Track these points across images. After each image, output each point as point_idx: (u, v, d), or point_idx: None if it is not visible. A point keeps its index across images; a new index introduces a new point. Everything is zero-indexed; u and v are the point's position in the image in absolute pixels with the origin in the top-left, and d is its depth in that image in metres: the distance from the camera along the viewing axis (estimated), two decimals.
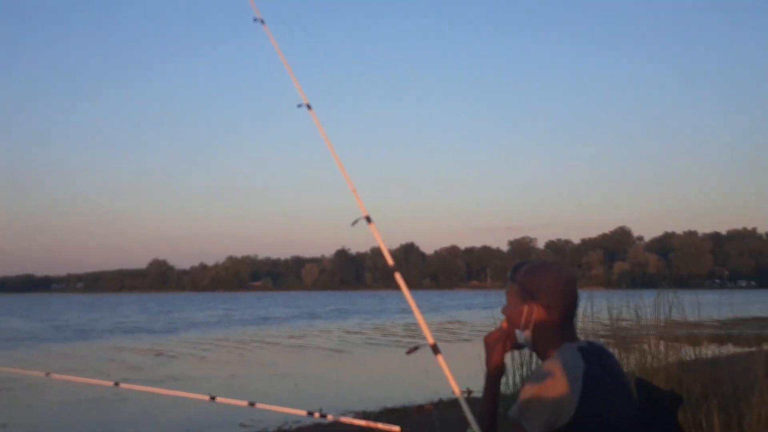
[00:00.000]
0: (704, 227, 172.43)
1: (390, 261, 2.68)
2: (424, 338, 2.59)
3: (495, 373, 2.51)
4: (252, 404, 3.49)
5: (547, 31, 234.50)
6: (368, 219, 2.71)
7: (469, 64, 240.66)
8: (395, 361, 18.60)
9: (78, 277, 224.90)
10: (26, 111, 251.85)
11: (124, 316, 48.90)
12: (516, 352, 7.05)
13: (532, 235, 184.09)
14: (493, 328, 2.56)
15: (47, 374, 4.33)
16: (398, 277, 2.65)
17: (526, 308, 2.40)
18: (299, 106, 3.01)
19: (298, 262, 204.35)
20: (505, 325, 2.48)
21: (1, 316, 50.26)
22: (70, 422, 10.07)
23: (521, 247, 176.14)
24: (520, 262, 2.53)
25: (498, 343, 2.51)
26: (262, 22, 3.26)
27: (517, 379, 7.20)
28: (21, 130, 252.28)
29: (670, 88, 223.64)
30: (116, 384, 3.87)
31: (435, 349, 2.50)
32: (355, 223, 2.70)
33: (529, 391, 2.25)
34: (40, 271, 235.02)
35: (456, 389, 2.49)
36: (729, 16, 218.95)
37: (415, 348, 2.66)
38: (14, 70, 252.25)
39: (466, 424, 2.47)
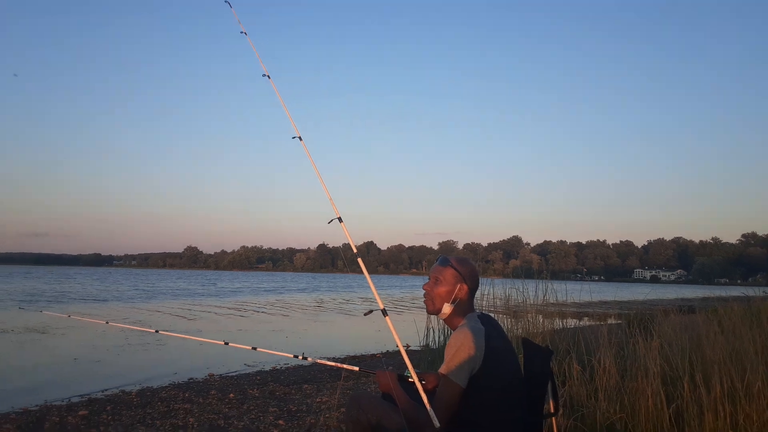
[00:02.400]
0: (570, 238, 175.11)
1: (354, 249, 2.64)
2: (377, 305, 2.55)
3: (402, 398, 2.34)
4: (254, 348, 3.42)
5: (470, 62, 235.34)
6: (340, 219, 2.68)
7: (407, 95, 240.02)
8: (356, 323, 18.51)
9: (132, 257, 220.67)
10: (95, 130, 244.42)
11: (171, 283, 47.95)
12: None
13: (454, 239, 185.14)
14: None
15: (107, 322, 4.20)
16: (360, 261, 2.62)
17: (458, 287, 2.43)
18: (293, 137, 2.97)
19: (291, 251, 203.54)
20: (429, 293, 2.49)
21: (80, 281, 48.87)
22: (123, 358, 9.80)
23: (447, 246, 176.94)
24: (446, 256, 2.56)
25: (390, 388, 2.39)
26: (269, 77, 3.20)
27: (440, 338, 7.17)
28: (96, 138, 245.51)
29: (550, 132, 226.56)
30: (156, 331, 3.76)
31: (384, 312, 2.47)
32: (330, 222, 2.66)
33: (451, 351, 2.27)
34: (105, 251, 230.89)
35: (398, 342, 2.46)
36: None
37: (371, 311, 2.63)
38: (93, 77, 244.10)
39: (405, 367, 2.45)
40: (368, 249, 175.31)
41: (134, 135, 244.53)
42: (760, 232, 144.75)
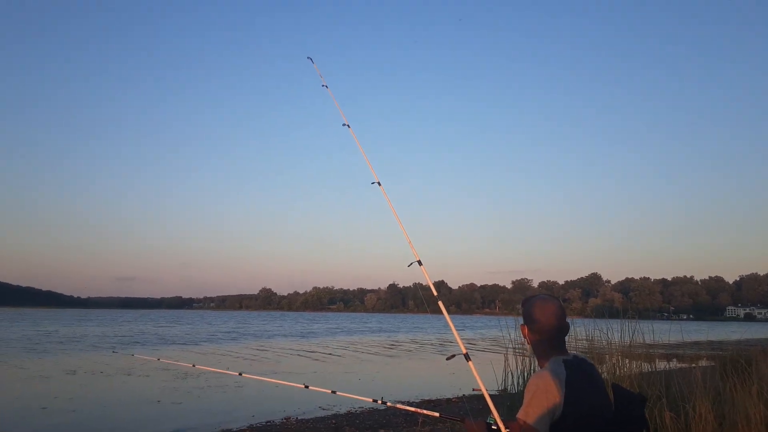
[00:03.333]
0: (654, 274, 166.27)
1: (434, 292, 2.67)
2: (457, 348, 2.54)
3: None
4: (334, 392, 3.45)
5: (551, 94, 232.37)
6: (420, 263, 2.71)
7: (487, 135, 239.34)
8: (430, 365, 18.26)
9: (211, 299, 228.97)
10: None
11: (239, 326, 49.25)
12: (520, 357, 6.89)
13: (529, 277, 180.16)
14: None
15: (193, 365, 4.37)
16: (441, 304, 2.63)
17: (522, 329, 2.44)
18: (372, 183, 3.05)
19: (362, 292, 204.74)
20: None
21: (168, 324, 51.14)
22: (204, 401, 10.09)
23: (521, 285, 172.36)
24: (529, 296, 2.52)
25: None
26: (348, 126, 3.34)
27: (519, 381, 6.97)
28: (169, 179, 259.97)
29: (635, 162, 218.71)
30: (240, 374, 3.89)
31: (467, 357, 2.45)
32: (410, 265, 2.70)
33: (528, 395, 2.22)
34: (186, 294, 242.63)
35: (483, 388, 2.44)
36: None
37: (453, 356, 2.62)
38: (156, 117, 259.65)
39: (488, 412, 2.41)
40: (439, 289, 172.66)
41: (215, 183, 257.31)
42: None
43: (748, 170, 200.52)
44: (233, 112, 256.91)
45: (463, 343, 2.51)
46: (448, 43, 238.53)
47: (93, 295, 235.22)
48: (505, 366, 7.00)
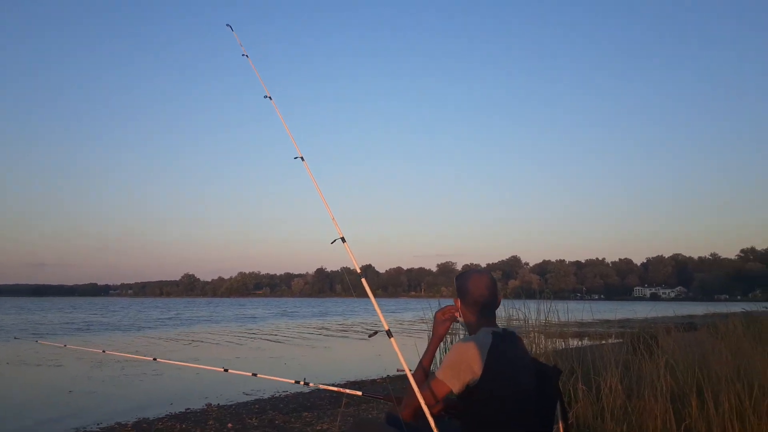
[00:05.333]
0: (570, 257, 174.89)
1: (358, 269, 2.62)
2: (381, 327, 2.51)
3: (438, 340, 2.59)
4: (255, 375, 3.35)
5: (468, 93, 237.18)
6: (343, 239, 2.66)
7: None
8: (357, 347, 18.35)
9: (129, 286, 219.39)
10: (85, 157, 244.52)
11: (162, 313, 47.55)
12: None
13: (453, 260, 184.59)
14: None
15: (103, 351, 4.14)
16: (364, 282, 2.59)
17: (456, 302, 2.50)
18: (295, 158, 2.96)
19: (289, 277, 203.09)
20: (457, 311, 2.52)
21: (80, 312, 48.56)
22: (120, 389, 9.64)
23: (445, 268, 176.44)
24: (463, 271, 2.60)
25: (445, 320, 2.57)
26: (270, 98, 3.21)
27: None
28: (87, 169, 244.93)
29: (567, 151, 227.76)
30: (154, 359, 3.71)
31: (389, 334, 2.43)
32: (333, 242, 2.64)
33: (448, 357, 2.29)
34: (101, 281, 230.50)
35: (404, 364, 2.43)
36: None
37: (375, 332, 2.59)
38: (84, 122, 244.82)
39: (408, 391, 2.41)
40: (366, 272, 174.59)
41: (129, 159, 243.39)
42: (759, 247, 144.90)
43: (659, 161, 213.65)
44: (150, 87, 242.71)
45: (387, 322, 2.49)
46: (384, 15, 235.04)
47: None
48: None
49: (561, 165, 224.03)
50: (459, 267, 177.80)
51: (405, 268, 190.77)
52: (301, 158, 2.90)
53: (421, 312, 8.93)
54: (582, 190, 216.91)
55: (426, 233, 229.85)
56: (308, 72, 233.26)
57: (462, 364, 2.24)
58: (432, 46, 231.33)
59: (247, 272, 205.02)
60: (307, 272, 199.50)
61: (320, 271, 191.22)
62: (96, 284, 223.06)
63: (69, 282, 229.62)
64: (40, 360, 13.06)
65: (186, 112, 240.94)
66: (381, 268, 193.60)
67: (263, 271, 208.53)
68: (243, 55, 3.32)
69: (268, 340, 21.10)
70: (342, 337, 23.17)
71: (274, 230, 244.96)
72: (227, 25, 3.46)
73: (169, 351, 16.06)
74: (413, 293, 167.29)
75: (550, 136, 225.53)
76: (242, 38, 3.36)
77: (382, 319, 2.43)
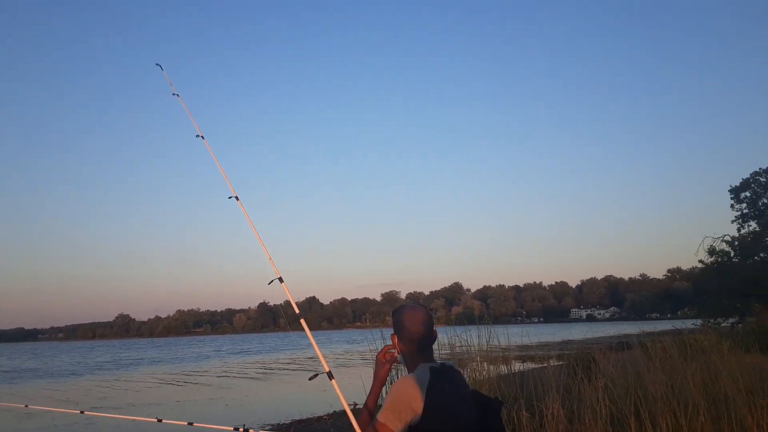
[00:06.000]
0: (509, 281, 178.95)
1: (296, 310, 2.55)
2: (322, 367, 2.45)
3: (380, 384, 2.52)
4: (191, 424, 3.19)
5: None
6: (281, 279, 2.59)
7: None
8: (301, 384, 17.92)
9: (59, 329, 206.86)
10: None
11: (96, 357, 45.03)
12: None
13: (397, 289, 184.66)
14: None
15: (26, 405, 3.84)
16: (303, 322, 2.52)
17: (393, 338, 2.45)
18: (229, 197, 2.89)
19: (230, 312, 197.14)
20: (394, 349, 2.47)
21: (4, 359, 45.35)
22: None
23: (390, 297, 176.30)
24: (398, 306, 2.56)
25: (386, 362, 2.50)
26: (203, 137, 3.13)
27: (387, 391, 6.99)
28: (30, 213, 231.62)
29: (484, 176, 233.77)
30: (82, 411, 3.47)
31: (330, 375, 2.37)
32: (270, 282, 2.57)
33: (388, 398, 2.24)
34: (29, 325, 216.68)
35: (345, 405, 2.36)
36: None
37: (315, 375, 2.52)
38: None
39: (352, 429, 2.35)
40: (310, 305, 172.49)
41: (57, 197, 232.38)
42: (684, 267, 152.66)
43: (592, 186, 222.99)
44: (80, 118, 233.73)
45: (329, 360, 2.42)
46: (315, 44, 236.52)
47: None
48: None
49: (497, 192, 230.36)
50: (403, 295, 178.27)
51: (349, 299, 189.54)
52: (236, 197, 2.83)
53: (365, 343, 8.84)
54: (519, 215, 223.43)
55: (369, 263, 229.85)
56: (241, 109, 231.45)
57: (402, 404, 2.20)
58: (359, 77, 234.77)
59: (185, 309, 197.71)
60: (249, 307, 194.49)
61: (263, 306, 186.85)
62: (23, 328, 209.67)
63: None
64: None
65: (117, 148, 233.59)
66: (325, 299, 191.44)
67: (203, 308, 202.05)
68: (174, 94, 3.24)
69: (207, 380, 20.30)
70: (286, 373, 22.60)
71: (213, 266, 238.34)
72: (157, 64, 3.38)
73: (102, 398, 15.15)
74: (358, 324, 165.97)
75: (483, 165, 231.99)
76: (172, 77, 3.28)
77: (322, 360, 2.37)
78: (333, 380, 2.33)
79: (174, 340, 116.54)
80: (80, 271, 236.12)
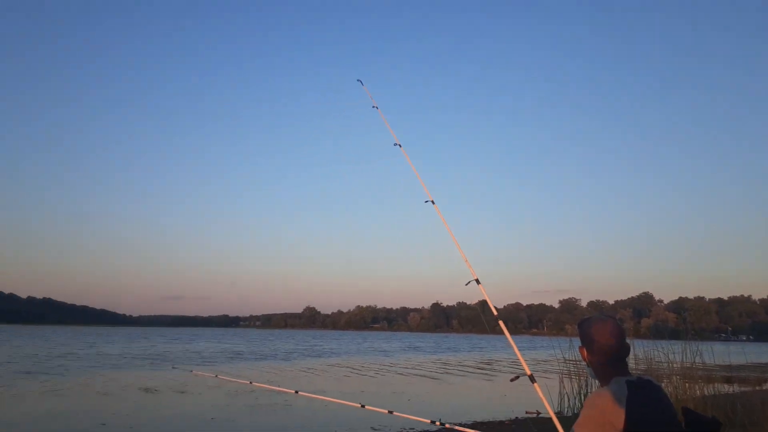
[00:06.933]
0: (710, 294, 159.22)
1: (494, 312, 2.60)
2: (523, 370, 2.47)
3: None
4: (390, 412, 3.40)
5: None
6: (477, 281, 2.66)
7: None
8: (482, 386, 17.90)
9: (256, 318, 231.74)
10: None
11: (295, 345, 49.63)
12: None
13: (576, 296, 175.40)
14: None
15: (250, 382, 4.39)
16: (501, 324, 2.57)
17: (581, 351, 2.38)
18: (426, 202, 3.03)
19: (404, 311, 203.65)
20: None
21: (224, 342, 52.49)
22: (257, 418, 10.13)
23: (569, 304, 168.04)
24: (585, 317, 2.48)
25: None
26: (400, 145, 3.33)
27: (576, 404, 6.75)
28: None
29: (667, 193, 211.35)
30: (296, 392, 3.88)
31: (532, 379, 2.38)
32: (468, 283, 2.65)
33: (585, 412, 2.16)
34: (232, 313, 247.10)
35: (550, 410, 2.35)
36: None
37: (517, 377, 2.55)
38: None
39: None
40: (483, 308, 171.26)
41: (264, 205, 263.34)
42: None
43: None
44: (279, 138, 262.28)
45: (527, 365, 2.43)
46: (498, 57, 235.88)
47: (144, 313, 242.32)
48: (560, 388, 6.80)
49: (704, 191, 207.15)
50: (584, 303, 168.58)
51: (524, 304, 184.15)
52: (432, 202, 2.97)
53: (547, 350, 8.57)
54: (726, 216, 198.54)
55: (545, 268, 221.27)
56: (433, 120, 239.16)
57: (601, 419, 2.11)
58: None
59: (364, 306, 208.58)
60: (423, 307, 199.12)
61: (436, 306, 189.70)
62: (227, 316, 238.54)
63: (203, 314, 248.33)
64: (186, 388, 14.13)
65: (319, 162, 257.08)
66: (498, 303, 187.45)
67: (379, 305, 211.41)
68: (373, 107, 3.49)
69: (400, 374, 21.30)
70: (466, 374, 22.71)
71: (392, 266, 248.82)
72: (358, 80, 3.65)
73: (308, 383, 16.68)
74: (534, 330, 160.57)
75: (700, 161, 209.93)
76: (372, 91, 3.53)
77: (523, 363, 2.39)
78: (536, 384, 2.34)
79: (357, 334, 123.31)
80: (275, 267, 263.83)
